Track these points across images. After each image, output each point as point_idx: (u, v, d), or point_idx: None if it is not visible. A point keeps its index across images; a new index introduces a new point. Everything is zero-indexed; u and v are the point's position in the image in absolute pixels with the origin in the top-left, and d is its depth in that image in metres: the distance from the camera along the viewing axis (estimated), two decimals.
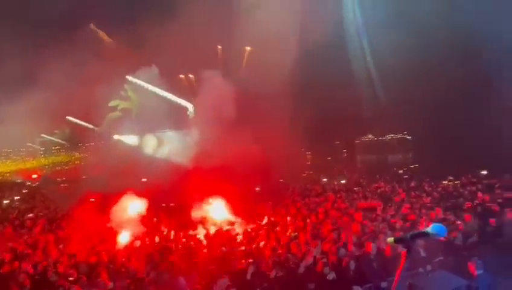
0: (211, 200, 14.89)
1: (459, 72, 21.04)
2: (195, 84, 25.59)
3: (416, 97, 21.85)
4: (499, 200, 13.65)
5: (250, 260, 9.26)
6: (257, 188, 21.27)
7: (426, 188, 18.60)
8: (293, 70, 21.14)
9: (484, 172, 21.55)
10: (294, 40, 20.94)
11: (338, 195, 18.35)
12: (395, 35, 22.43)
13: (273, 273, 8.58)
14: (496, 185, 16.96)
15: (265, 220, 13.98)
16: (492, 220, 10.95)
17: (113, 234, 12.65)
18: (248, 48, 25.61)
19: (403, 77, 22.95)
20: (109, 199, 14.14)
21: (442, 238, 2.48)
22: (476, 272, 6.80)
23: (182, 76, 26.42)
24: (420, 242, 8.75)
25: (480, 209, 12.49)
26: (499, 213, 11.73)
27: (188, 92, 25.73)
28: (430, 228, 2.48)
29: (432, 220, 10.63)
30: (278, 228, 12.52)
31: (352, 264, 8.54)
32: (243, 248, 10.91)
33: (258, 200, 18.28)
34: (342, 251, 9.21)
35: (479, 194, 15.00)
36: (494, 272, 7.15)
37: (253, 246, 10.93)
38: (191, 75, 26.25)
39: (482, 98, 20.52)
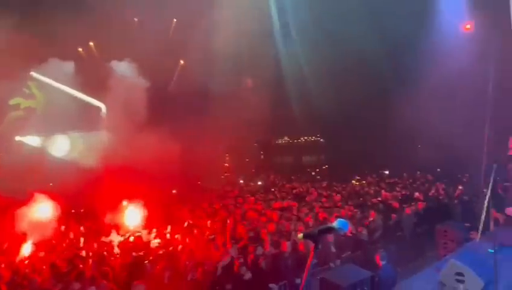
0: (125, 204, 14.31)
1: (369, 77, 22.30)
2: (96, 50, 23.41)
3: (329, 100, 22.81)
4: (399, 198, 15.04)
5: (166, 264, 9.10)
6: (174, 191, 20.89)
7: (336, 187, 19.74)
8: (211, 70, 21.13)
9: (386, 172, 23.58)
10: (217, 38, 20.84)
11: (255, 196, 18.71)
12: (311, 38, 23.37)
13: (190, 276, 8.52)
14: (399, 185, 18.53)
15: (186, 224, 13.78)
16: (393, 216, 12.04)
17: (15, 244, 11.59)
18: (175, 20, 23.50)
19: (316, 81, 24.03)
20: (10, 206, 12.93)
21: (346, 232, 2.68)
22: (380, 263, 7.43)
23: (80, 49, 23.32)
24: (329, 238, 9.31)
25: (383, 206, 13.59)
26: (399, 209, 12.93)
27: (91, 62, 23.06)
28: (335, 223, 2.68)
29: (342, 218, 11.32)
30: (195, 231, 12.44)
31: (268, 263, 8.80)
32: (161, 252, 10.66)
33: (175, 203, 17.97)
34: (259, 250, 9.42)
35: (383, 192, 16.32)
36: (394, 262, 7.87)
37: (170, 249, 10.75)
38: (91, 43, 23.40)
39: (387, 103, 21.93)
